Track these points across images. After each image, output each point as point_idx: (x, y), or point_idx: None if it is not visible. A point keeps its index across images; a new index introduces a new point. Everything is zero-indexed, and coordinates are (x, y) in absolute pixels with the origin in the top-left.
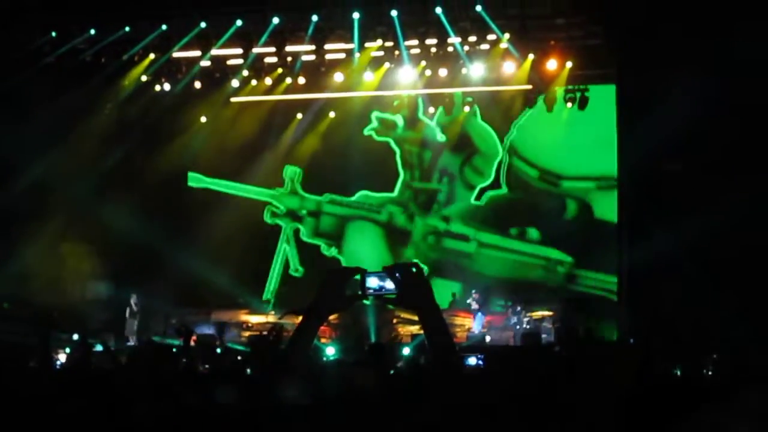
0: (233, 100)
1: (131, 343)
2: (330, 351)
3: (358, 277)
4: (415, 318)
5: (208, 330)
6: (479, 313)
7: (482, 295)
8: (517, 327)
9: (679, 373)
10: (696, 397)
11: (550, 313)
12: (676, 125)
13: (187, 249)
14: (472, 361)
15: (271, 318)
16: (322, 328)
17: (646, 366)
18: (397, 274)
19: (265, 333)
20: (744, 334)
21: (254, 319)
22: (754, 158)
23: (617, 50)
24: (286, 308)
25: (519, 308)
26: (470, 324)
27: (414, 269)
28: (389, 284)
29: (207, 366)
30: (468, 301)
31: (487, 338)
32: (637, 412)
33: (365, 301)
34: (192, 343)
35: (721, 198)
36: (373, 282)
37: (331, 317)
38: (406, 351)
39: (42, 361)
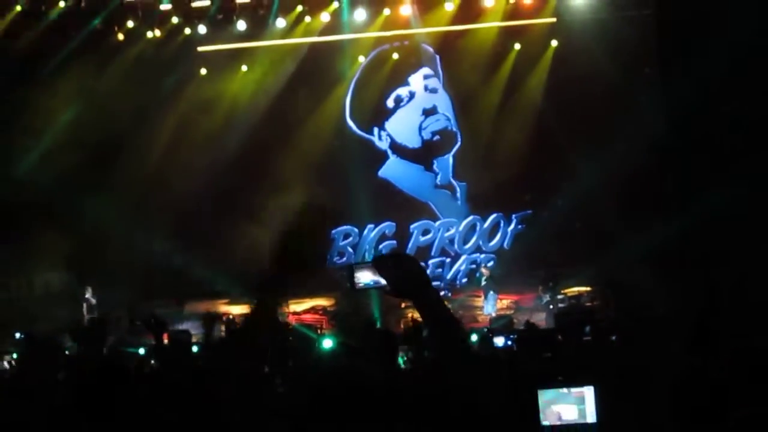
0: (201, 49)
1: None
2: (327, 343)
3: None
4: None
5: (183, 326)
6: (491, 292)
7: (494, 267)
8: (551, 307)
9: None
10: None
11: (588, 289)
12: (726, 57)
13: (150, 231)
14: (499, 341)
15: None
16: (318, 318)
17: (703, 339)
18: (386, 266)
19: None
20: None
21: (236, 309)
22: None
23: None
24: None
25: (551, 284)
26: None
27: (404, 259)
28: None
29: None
30: (477, 275)
31: (515, 321)
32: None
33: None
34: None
35: None
36: (366, 276)
37: (328, 305)
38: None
39: None
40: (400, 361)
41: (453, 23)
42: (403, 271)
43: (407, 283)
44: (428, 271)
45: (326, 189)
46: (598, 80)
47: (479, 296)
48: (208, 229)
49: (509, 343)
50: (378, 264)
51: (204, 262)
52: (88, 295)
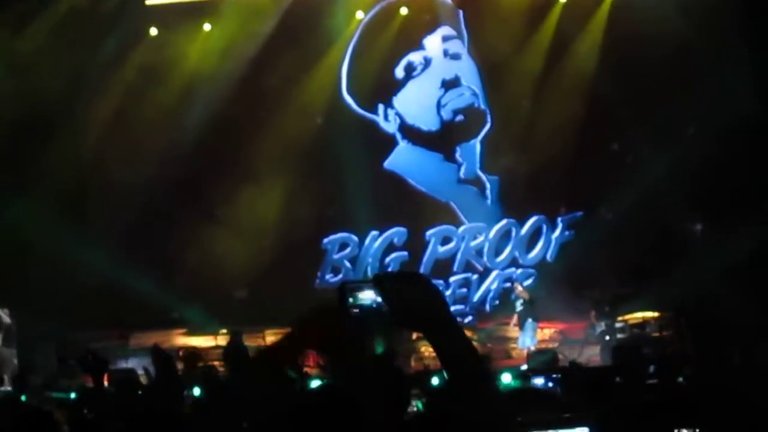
0: (150, 2)
1: (6, 387)
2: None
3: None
4: None
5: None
6: (529, 319)
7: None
8: (607, 338)
9: None
10: None
11: (655, 315)
12: None
13: (86, 238)
14: (538, 382)
15: (222, 340)
16: (307, 354)
17: None
18: (386, 286)
19: None
20: None
21: (196, 341)
22: None
23: None
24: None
25: (607, 308)
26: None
27: (412, 278)
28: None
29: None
30: (513, 297)
31: (560, 357)
32: None
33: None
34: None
35: None
36: (366, 296)
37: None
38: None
39: None
40: (419, 405)
41: None
42: (411, 294)
43: (416, 310)
44: (449, 292)
45: (315, 183)
46: (667, 43)
47: (510, 324)
48: (161, 235)
49: (551, 384)
50: (378, 284)
51: (155, 279)
52: (4, 317)
